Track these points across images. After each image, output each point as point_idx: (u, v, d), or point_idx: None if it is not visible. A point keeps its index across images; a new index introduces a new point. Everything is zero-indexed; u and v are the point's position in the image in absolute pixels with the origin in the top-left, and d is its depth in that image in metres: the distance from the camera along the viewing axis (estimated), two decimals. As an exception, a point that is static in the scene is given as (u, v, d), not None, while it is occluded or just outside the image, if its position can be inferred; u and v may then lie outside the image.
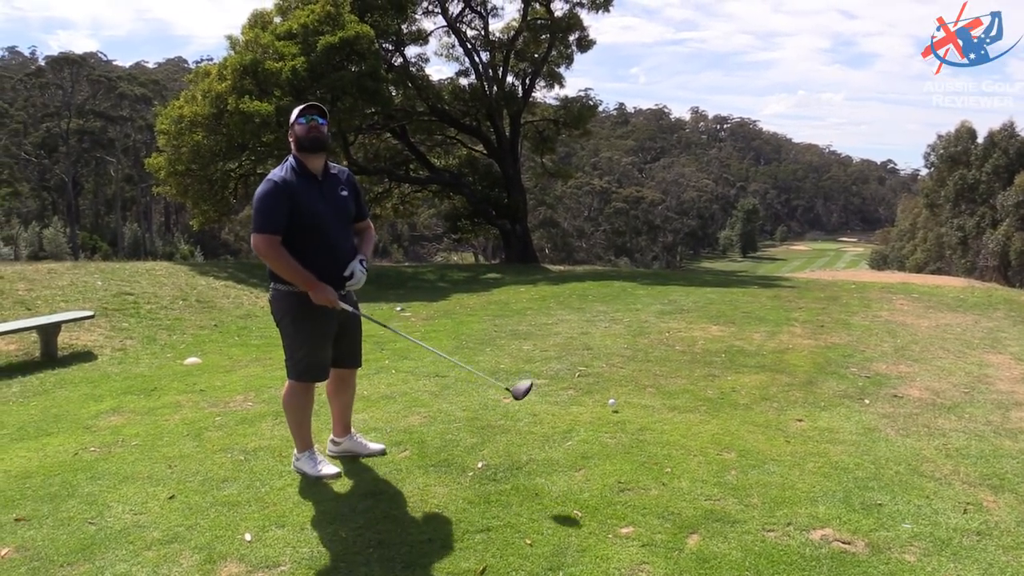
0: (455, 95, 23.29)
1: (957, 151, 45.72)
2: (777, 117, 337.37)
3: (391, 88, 20.27)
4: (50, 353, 7.73)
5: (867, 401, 5.53)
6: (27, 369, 7.24)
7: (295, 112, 3.88)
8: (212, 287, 12.78)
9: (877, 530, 3.40)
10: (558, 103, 25.02)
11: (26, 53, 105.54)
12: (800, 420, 5.05)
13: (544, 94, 25.44)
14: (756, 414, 5.19)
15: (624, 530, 3.40)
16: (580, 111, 24.13)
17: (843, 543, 3.28)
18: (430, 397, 5.66)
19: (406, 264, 33.80)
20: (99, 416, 5.47)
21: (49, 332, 7.79)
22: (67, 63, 64.87)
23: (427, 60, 30.71)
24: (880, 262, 61.14)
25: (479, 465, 4.19)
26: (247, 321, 10.07)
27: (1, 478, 4.22)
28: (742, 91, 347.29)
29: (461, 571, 3.08)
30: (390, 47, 21.60)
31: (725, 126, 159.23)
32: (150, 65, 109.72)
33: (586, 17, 23.26)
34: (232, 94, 16.46)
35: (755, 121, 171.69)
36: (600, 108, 28.25)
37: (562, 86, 24.44)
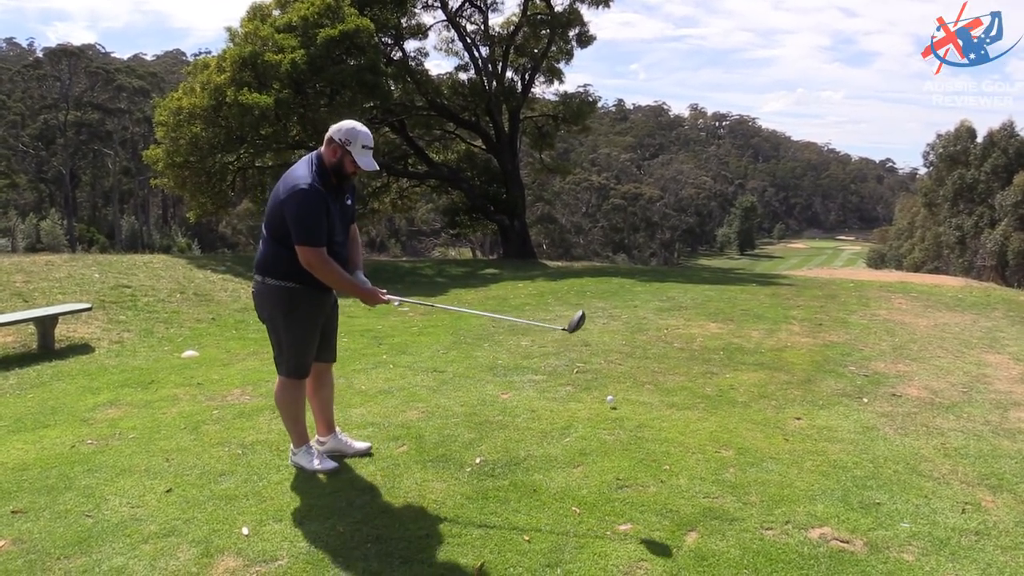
0: (454, 90, 23.23)
1: (956, 150, 45.70)
2: (776, 115, 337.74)
3: (390, 82, 20.20)
4: (47, 345, 7.70)
5: (865, 400, 5.53)
6: (24, 361, 7.22)
7: (361, 139, 3.74)
8: (210, 280, 12.75)
9: (875, 529, 3.40)
10: (557, 99, 24.98)
11: (24, 44, 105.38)
12: (799, 418, 5.05)
13: (543, 90, 25.41)
14: (754, 412, 5.19)
15: (622, 527, 3.40)
16: (579, 107, 24.08)
17: (841, 542, 3.28)
18: (428, 392, 5.65)
19: (403, 259, 33.76)
20: (96, 409, 5.46)
21: (46, 324, 7.76)
22: (65, 55, 64.63)
23: (427, 54, 30.93)
24: (878, 261, 61.16)
25: (477, 461, 4.18)
26: (245, 315, 10.05)
27: (-2, 470, 4.20)
28: (741, 88, 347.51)
29: (459, 567, 3.08)
30: (390, 41, 21.53)
31: (724, 123, 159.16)
32: (148, 57, 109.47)
33: (586, 12, 23.23)
34: (231, 86, 16.39)
35: (754, 118, 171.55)
36: (599, 104, 28.24)
37: (561, 82, 24.39)
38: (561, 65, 24.08)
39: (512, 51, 23.16)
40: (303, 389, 4.07)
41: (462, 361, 6.74)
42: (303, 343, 3.92)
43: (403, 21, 21.74)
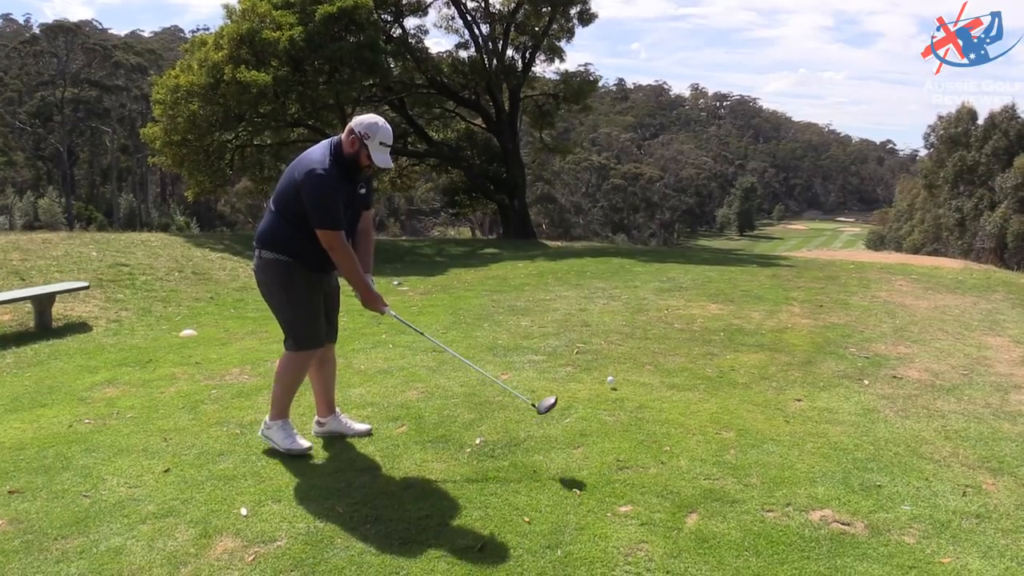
0: (454, 68, 23.08)
1: (957, 132, 45.55)
2: (777, 95, 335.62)
3: (390, 60, 20.08)
4: (44, 324, 7.67)
5: (866, 382, 5.51)
6: (21, 340, 7.19)
7: (380, 135, 3.73)
8: (208, 259, 12.71)
9: (876, 512, 3.39)
10: (558, 77, 24.82)
11: (20, 20, 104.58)
12: (799, 400, 5.03)
13: (544, 68, 25.25)
14: (755, 393, 5.17)
15: (623, 508, 3.38)
16: (580, 86, 23.95)
17: (842, 524, 3.27)
18: (428, 372, 5.63)
19: (403, 238, 33.69)
20: (94, 388, 5.44)
21: (43, 303, 7.72)
22: (62, 31, 64.16)
23: (426, 32, 30.54)
24: (877, 242, 61.16)
25: (477, 441, 4.17)
26: (243, 293, 10.02)
27: (-5, 449, 4.18)
28: (743, 68, 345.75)
29: (459, 548, 3.06)
30: (389, 18, 21.36)
31: (725, 103, 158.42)
32: (146, 34, 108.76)
33: (587, -11, 23.01)
34: (229, 64, 16.28)
35: (755, 99, 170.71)
36: (600, 83, 28.04)
37: (562, 60, 24.24)
38: (562, 43, 23.95)
39: (513, 29, 22.99)
40: (308, 364, 4.04)
41: (462, 341, 6.71)
42: (305, 316, 3.91)
43: (403, -2, 21.57)
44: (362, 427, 4.34)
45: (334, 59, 17.11)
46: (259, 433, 4.11)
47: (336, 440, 4.21)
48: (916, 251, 43.75)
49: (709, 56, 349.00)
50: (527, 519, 3.28)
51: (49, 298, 7.79)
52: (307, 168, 3.67)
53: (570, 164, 70.74)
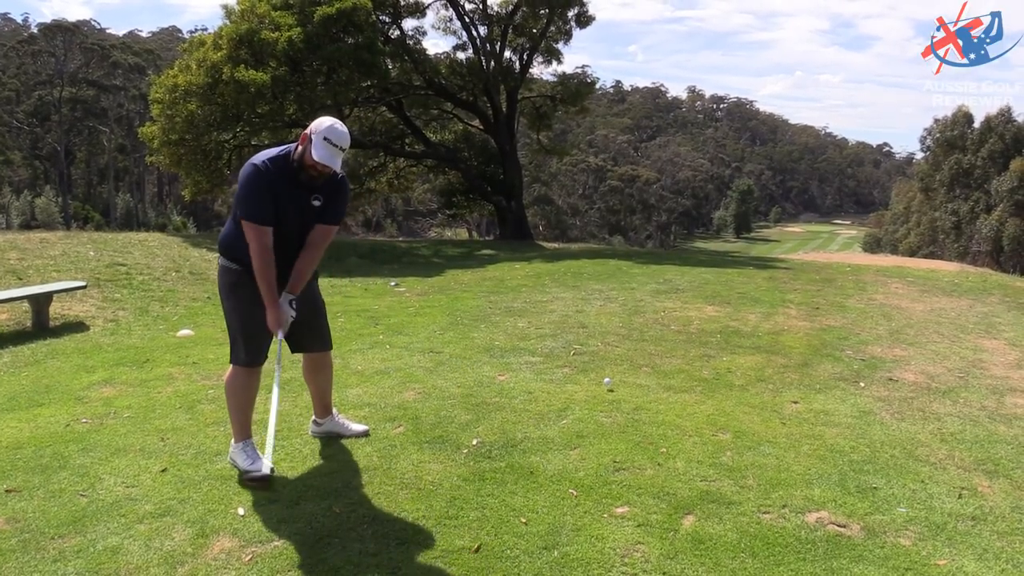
0: (452, 69, 23.09)
1: (953, 135, 45.69)
2: (774, 98, 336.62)
3: (388, 61, 20.07)
4: (41, 323, 7.66)
5: (862, 384, 5.52)
6: (18, 339, 7.18)
7: (324, 131, 3.51)
8: (205, 259, 12.70)
9: (872, 514, 3.40)
10: (555, 79, 24.83)
11: (18, 20, 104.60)
12: (795, 402, 5.04)
13: (541, 70, 25.30)
14: (751, 395, 5.18)
15: (619, 510, 3.39)
16: (577, 88, 23.97)
17: (838, 526, 3.28)
18: (424, 373, 5.63)
19: (400, 239, 33.70)
20: (91, 387, 5.43)
21: (41, 302, 7.71)
22: (60, 30, 64.10)
23: (424, 33, 30.44)
24: (873, 245, 61.24)
25: (474, 442, 4.17)
26: (240, 294, 10.01)
27: (-8, 448, 4.18)
28: (740, 71, 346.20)
29: (456, 548, 3.07)
30: (387, 19, 21.37)
31: (722, 106, 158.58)
32: (144, 34, 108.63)
33: (585, -8, 23.03)
34: (227, 64, 16.27)
35: (752, 101, 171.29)
36: (597, 85, 28.08)
37: (560, 62, 24.24)
38: (559, 45, 23.96)
39: (511, 31, 23.00)
40: (253, 379, 3.89)
41: (459, 342, 6.72)
42: (246, 330, 3.77)
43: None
44: (359, 428, 4.33)
45: (332, 60, 17.11)
46: (228, 458, 3.94)
47: (333, 441, 4.21)
48: (912, 254, 43.82)
49: (706, 58, 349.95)
50: (524, 520, 3.28)
51: (46, 297, 7.78)
52: (247, 164, 3.59)
53: (567, 166, 70.76)
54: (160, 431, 4.41)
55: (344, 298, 9.50)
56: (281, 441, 4.20)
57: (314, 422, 4.32)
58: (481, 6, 23.03)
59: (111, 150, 64.45)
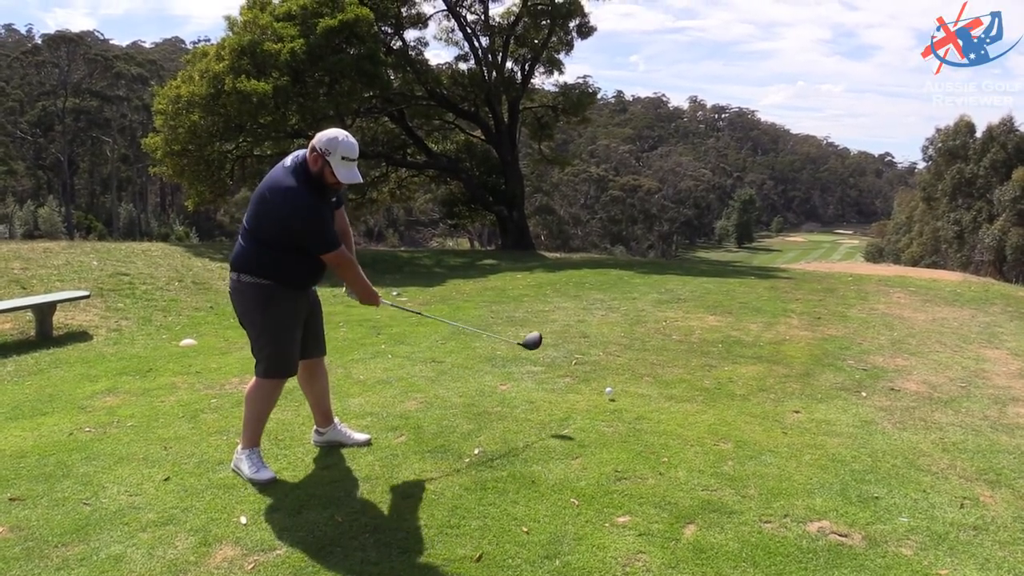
0: (454, 80, 23.14)
1: (955, 145, 45.75)
2: (776, 108, 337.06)
3: (390, 72, 20.13)
4: (45, 332, 7.68)
5: (864, 394, 5.53)
6: (22, 348, 7.20)
7: (341, 150, 3.60)
8: (208, 269, 12.73)
9: (874, 523, 3.40)
10: (557, 89, 24.87)
11: (22, 31, 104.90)
12: (797, 412, 5.05)
13: (543, 80, 25.31)
14: (753, 405, 5.19)
15: (621, 519, 3.39)
16: (579, 98, 23.99)
17: (840, 536, 3.28)
18: (426, 382, 5.65)
19: (402, 248, 33.73)
20: (94, 396, 5.45)
21: (44, 311, 7.74)
22: (64, 41, 64.44)
23: (426, 44, 30.68)
24: (876, 255, 61.28)
25: (476, 452, 4.18)
26: (243, 303, 10.03)
27: (-5, 457, 4.19)
28: (741, 81, 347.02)
29: (458, 557, 3.07)
30: (389, 30, 21.44)
31: (723, 116, 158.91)
32: (147, 45, 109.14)
33: (586, 3, 23.05)
34: (230, 74, 16.34)
35: (753, 111, 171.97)
36: (598, 95, 28.10)
37: (561, 72, 24.27)
38: (561, 56, 23.99)
39: (512, 41, 23.06)
40: (278, 391, 3.94)
41: (460, 352, 6.73)
42: (280, 342, 3.81)
43: (403, 10, 21.67)
44: (361, 437, 4.34)
45: (334, 71, 17.17)
46: (231, 466, 3.96)
47: (335, 450, 4.22)
48: (914, 263, 43.85)
49: (707, 68, 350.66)
50: (525, 529, 3.29)
51: (50, 307, 7.81)
52: (283, 193, 3.60)
53: (569, 176, 70.83)
54: (163, 440, 4.42)
55: (346, 307, 9.51)
56: (284, 450, 4.22)
57: (316, 431, 4.32)
58: (483, 17, 23.12)
59: (114, 160, 64.66)
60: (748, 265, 22.96)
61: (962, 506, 3.61)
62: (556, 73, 24.31)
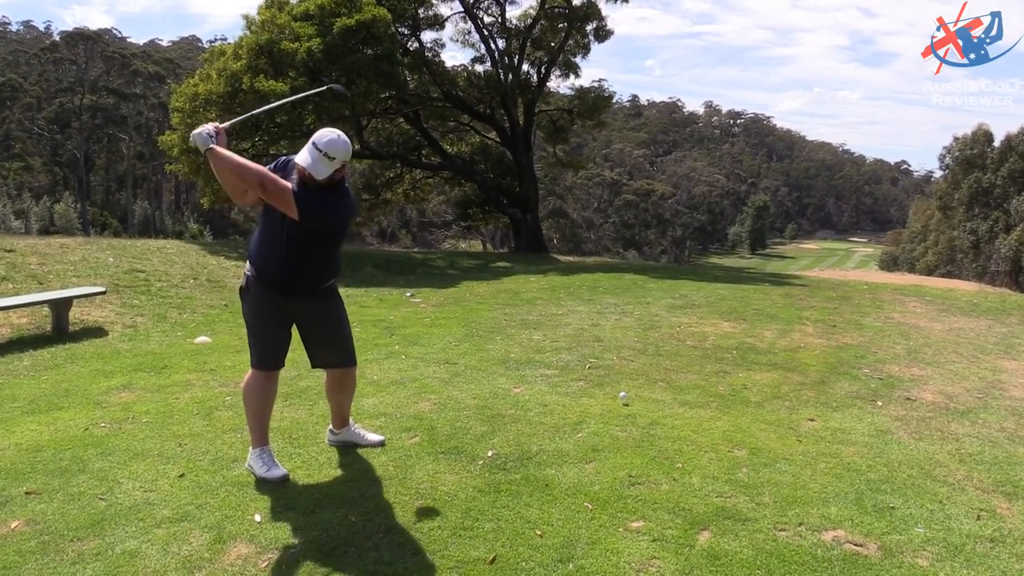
0: (470, 82, 23.18)
1: (973, 154, 45.40)
2: (792, 114, 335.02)
3: (406, 72, 20.18)
4: (61, 328, 7.73)
5: (879, 403, 5.49)
6: (38, 343, 7.25)
7: (314, 137, 3.56)
8: (222, 267, 12.79)
9: (889, 533, 3.38)
10: (572, 93, 24.89)
11: (41, 28, 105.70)
12: (812, 420, 5.02)
13: (559, 83, 25.29)
14: (767, 412, 5.17)
15: (635, 524, 3.38)
16: (595, 101, 24.00)
17: (855, 545, 3.26)
18: (440, 384, 5.65)
19: (415, 249, 33.79)
20: (110, 392, 5.48)
21: (61, 307, 7.79)
22: (81, 39, 64.87)
23: (443, 45, 30.70)
24: (890, 263, 60.92)
25: (489, 454, 4.18)
26: (257, 302, 10.06)
27: (12, 451, 4.22)
28: (757, 86, 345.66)
29: (471, 559, 3.07)
30: (406, 31, 21.50)
31: (739, 121, 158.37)
32: (164, 43, 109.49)
33: (604, 6, 23.06)
34: (247, 73, 16.42)
35: (769, 117, 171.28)
36: (614, 99, 28.11)
37: (578, 76, 24.27)
38: (577, 59, 24.00)
39: (529, 44, 23.08)
40: (269, 385, 3.94)
41: (474, 354, 6.73)
42: (259, 336, 3.91)
43: (420, 11, 21.71)
44: (375, 437, 4.35)
45: (351, 71, 17.22)
46: (245, 464, 3.97)
47: (349, 450, 4.23)
48: (930, 273, 43.56)
49: (723, 74, 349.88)
50: (539, 532, 3.29)
51: (66, 302, 7.86)
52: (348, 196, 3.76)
53: (583, 179, 70.88)
54: (178, 436, 4.44)
55: (360, 308, 9.54)
56: (297, 449, 4.24)
57: (331, 431, 4.34)
58: (500, 19, 23.15)
59: (130, 157, 65.07)
60: (762, 271, 22.89)
61: (979, 518, 3.58)
62: (572, 76, 24.34)
